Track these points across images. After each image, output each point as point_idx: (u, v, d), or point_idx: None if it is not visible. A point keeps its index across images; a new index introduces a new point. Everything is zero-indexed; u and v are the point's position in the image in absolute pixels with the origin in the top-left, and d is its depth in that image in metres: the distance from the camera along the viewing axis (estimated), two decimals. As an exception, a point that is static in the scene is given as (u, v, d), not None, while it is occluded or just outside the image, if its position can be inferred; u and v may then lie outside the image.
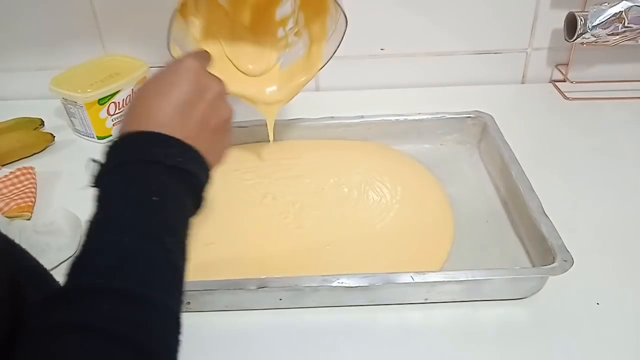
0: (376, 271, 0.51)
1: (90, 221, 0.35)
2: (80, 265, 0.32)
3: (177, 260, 0.35)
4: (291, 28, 0.68)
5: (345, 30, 0.60)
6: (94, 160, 0.39)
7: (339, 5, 0.57)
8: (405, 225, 0.62)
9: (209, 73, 0.45)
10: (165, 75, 0.42)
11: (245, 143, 0.74)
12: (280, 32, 0.68)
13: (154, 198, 0.36)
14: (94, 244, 0.33)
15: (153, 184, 0.37)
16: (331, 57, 0.64)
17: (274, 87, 0.68)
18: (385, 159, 0.73)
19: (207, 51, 0.50)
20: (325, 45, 0.65)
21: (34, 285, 0.32)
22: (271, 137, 0.69)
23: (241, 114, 0.78)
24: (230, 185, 0.68)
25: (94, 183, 0.38)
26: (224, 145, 0.46)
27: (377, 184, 0.67)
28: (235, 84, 0.64)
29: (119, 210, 0.35)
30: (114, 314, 0.29)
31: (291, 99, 0.68)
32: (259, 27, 0.68)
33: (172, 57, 0.59)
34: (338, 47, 0.63)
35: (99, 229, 0.34)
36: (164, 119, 0.40)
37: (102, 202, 0.36)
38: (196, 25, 0.65)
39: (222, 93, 0.45)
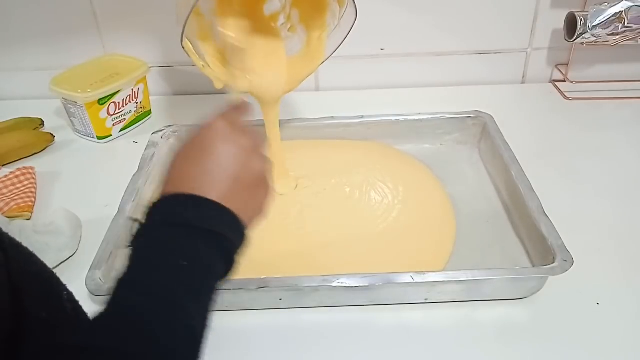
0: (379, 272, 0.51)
1: (118, 279, 0.36)
2: (100, 322, 0.33)
3: (196, 328, 0.36)
4: (283, 24, 0.67)
5: (354, 22, 0.58)
6: (135, 220, 0.42)
7: None
8: (407, 226, 0.62)
9: (241, 130, 0.45)
10: (196, 140, 0.43)
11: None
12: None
13: (183, 262, 0.36)
14: (117, 304, 0.34)
15: (184, 247, 0.37)
16: (337, 48, 0.63)
17: (276, 79, 0.67)
18: (387, 158, 0.73)
19: (244, 101, 0.50)
20: (328, 38, 0.64)
21: (38, 291, 0.32)
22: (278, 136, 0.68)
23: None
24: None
25: (131, 243, 0.39)
26: (261, 200, 0.45)
27: (378, 184, 0.67)
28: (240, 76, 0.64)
29: (146, 273, 0.36)
30: None
31: (290, 91, 0.67)
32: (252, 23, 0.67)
33: (184, 50, 0.58)
34: (345, 38, 0.62)
35: (124, 289, 0.35)
36: (197, 184, 0.40)
37: (132, 262, 0.37)
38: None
39: (255, 148, 0.44)
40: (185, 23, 0.55)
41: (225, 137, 0.43)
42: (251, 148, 0.44)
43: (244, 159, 0.43)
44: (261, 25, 0.67)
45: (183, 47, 0.58)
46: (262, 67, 0.66)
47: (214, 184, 0.41)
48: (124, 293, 0.35)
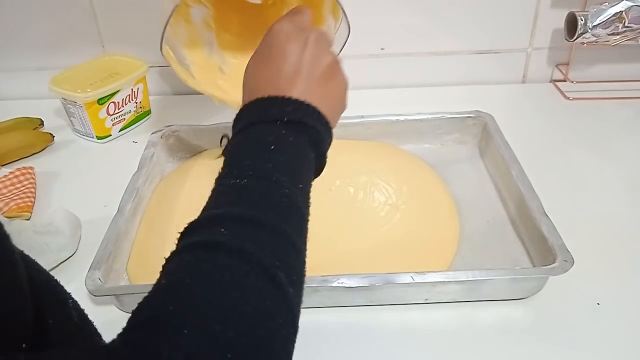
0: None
1: (216, 178, 0.38)
2: (208, 204, 0.36)
3: (293, 196, 0.37)
4: None
5: (347, 38, 0.60)
6: (224, 136, 0.47)
7: (343, 12, 0.56)
8: (411, 227, 0.61)
9: (304, 27, 0.46)
10: (264, 45, 0.45)
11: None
12: None
13: (271, 147, 0.38)
14: (218, 189, 0.37)
15: (270, 136, 0.39)
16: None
17: None
18: (390, 158, 0.72)
19: (302, 6, 0.51)
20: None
21: (45, 299, 0.32)
22: None
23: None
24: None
25: (223, 153, 0.43)
26: (338, 91, 0.46)
27: (382, 185, 0.67)
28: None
29: (238, 162, 0.38)
30: (233, 233, 0.33)
31: None
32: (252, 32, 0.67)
33: (164, 57, 0.59)
34: (339, 53, 0.62)
35: (222, 179, 0.38)
36: (274, 85, 0.42)
37: (226, 161, 0.39)
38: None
39: (320, 39, 0.45)
40: (164, 31, 0.55)
41: (290, 36, 0.44)
42: (317, 42, 0.44)
43: (313, 53, 0.44)
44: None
45: (162, 54, 0.58)
46: None
47: (290, 82, 0.42)
48: (222, 181, 0.37)
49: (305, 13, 0.49)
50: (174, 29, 0.63)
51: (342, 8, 0.56)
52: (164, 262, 0.33)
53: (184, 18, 0.64)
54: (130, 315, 0.29)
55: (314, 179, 0.42)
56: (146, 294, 0.30)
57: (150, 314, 0.28)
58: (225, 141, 0.47)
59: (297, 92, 0.41)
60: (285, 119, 0.40)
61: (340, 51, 0.62)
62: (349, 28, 0.58)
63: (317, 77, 0.44)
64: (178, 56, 0.63)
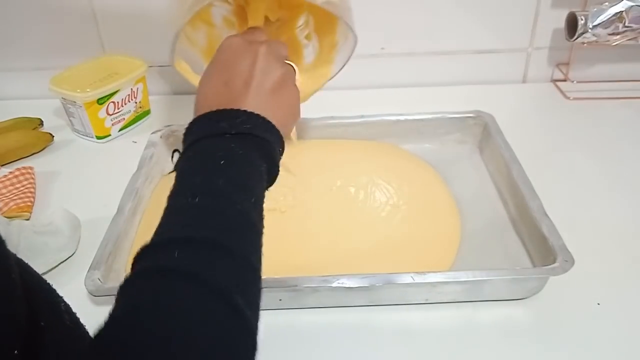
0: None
1: (168, 196, 0.38)
2: (160, 225, 0.35)
3: (246, 212, 0.36)
4: (301, 27, 0.67)
5: (353, 49, 0.60)
6: (175, 150, 0.47)
7: (349, 26, 0.56)
8: (412, 228, 0.61)
9: (255, 40, 0.46)
10: (213, 61, 0.45)
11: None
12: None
13: (221, 162, 0.38)
14: (170, 209, 0.37)
15: (220, 151, 0.38)
16: (338, 72, 0.64)
17: None
18: (391, 158, 0.72)
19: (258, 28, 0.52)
20: (336, 55, 0.64)
21: (37, 301, 0.32)
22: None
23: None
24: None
25: (175, 168, 0.41)
26: (289, 102, 0.46)
27: (384, 185, 0.67)
28: None
29: (189, 179, 0.38)
30: (186, 256, 0.32)
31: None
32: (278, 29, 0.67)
33: (176, 70, 0.60)
34: (345, 63, 0.63)
35: (173, 198, 0.37)
36: (223, 98, 0.42)
37: (177, 178, 0.39)
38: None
39: (270, 51, 0.45)
40: (174, 43, 0.55)
41: (239, 49, 0.44)
42: (267, 54, 0.44)
43: (263, 65, 0.44)
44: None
45: (174, 67, 0.59)
46: None
47: (239, 94, 0.42)
48: (173, 200, 0.37)
49: (258, 31, 0.49)
50: (191, 37, 0.63)
51: (352, 30, 0.57)
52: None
53: (204, 21, 0.64)
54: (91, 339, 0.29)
55: (267, 188, 0.42)
56: (104, 321, 0.30)
57: (109, 342, 0.28)
58: (177, 156, 0.46)
59: (247, 103, 0.41)
60: (234, 132, 0.39)
61: (347, 61, 0.62)
62: (356, 40, 0.59)
63: (268, 89, 0.43)
64: (192, 66, 0.63)
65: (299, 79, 0.58)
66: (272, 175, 0.42)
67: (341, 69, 0.64)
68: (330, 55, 0.65)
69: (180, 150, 0.42)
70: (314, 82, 0.66)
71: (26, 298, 0.29)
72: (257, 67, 0.44)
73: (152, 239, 0.34)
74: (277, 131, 0.42)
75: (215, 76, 0.44)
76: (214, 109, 0.41)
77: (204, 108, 0.42)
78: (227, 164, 0.38)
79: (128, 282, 0.32)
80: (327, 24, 0.64)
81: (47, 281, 0.35)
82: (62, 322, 0.33)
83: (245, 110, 0.41)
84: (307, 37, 0.67)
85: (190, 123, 0.42)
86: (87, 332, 0.36)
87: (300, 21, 0.66)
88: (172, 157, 0.48)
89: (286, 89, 0.46)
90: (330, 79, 0.66)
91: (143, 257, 0.33)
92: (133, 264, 0.33)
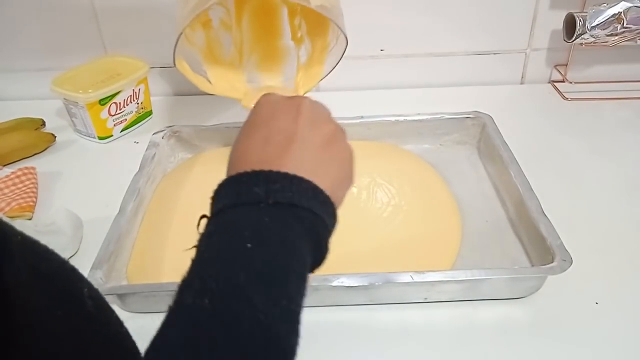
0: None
1: (178, 285, 0.31)
2: (162, 324, 0.29)
3: (271, 326, 0.28)
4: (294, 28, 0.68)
5: (345, 50, 0.61)
6: (202, 216, 0.36)
7: (340, 27, 0.57)
8: (414, 228, 0.61)
9: (297, 97, 0.40)
10: (251, 117, 0.39)
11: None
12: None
13: (248, 245, 0.30)
14: (174, 305, 0.29)
15: (249, 228, 0.31)
16: (329, 72, 0.65)
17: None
18: (393, 159, 0.72)
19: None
20: (327, 56, 0.65)
21: (52, 289, 0.30)
22: None
23: (244, 115, 0.78)
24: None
25: (198, 241, 0.34)
26: (341, 162, 0.38)
27: (385, 185, 0.67)
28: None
29: (202, 268, 0.30)
30: None
31: None
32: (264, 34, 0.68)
33: (177, 69, 0.60)
34: (336, 64, 0.64)
35: (182, 292, 0.30)
36: (259, 157, 0.34)
37: (193, 260, 0.32)
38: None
39: (315, 104, 0.39)
40: (177, 43, 0.56)
41: (280, 103, 0.38)
42: (312, 107, 0.38)
43: (308, 119, 0.37)
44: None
45: (176, 67, 0.59)
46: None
47: (280, 152, 0.34)
48: (181, 294, 0.30)
49: (292, 92, 0.45)
50: (190, 38, 0.64)
51: (343, 32, 0.58)
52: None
53: (201, 23, 0.65)
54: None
55: (313, 271, 0.34)
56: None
57: None
58: (203, 223, 0.35)
59: (289, 164, 0.34)
60: (270, 201, 0.31)
61: (337, 64, 0.63)
62: (347, 41, 0.59)
63: (315, 146, 0.36)
64: (193, 66, 0.64)
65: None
66: (318, 258, 0.34)
67: (332, 69, 0.65)
68: (322, 56, 0.66)
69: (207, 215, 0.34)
70: (308, 82, 0.67)
71: (40, 290, 0.27)
72: (302, 120, 0.37)
73: (150, 347, 0.28)
74: (327, 198, 0.34)
75: (252, 132, 0.37)
76: (248, 169, 0.33)
77: (235, 168, 0.35)
78: (255, 247, 0.30)
79: None
80: (320, 26, 0.64)
81: (72, 267, 0.32)
82: (83, 310, 0.31)
83: (286, 173, 0.33)
84: (300, 39, 0.68)
85: (219, 185, 0.34)
86: (116, 317, 0.33)
87: (297, 20, 0.67)
88: (198, 224, 0.36)
89: (338, 145, 0.38)
90: (322, 79, 0.67)
91: None
92: None
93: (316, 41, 0.67)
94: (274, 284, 0.29)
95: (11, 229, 0.29)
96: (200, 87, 0.65)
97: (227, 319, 0.27)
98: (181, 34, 0.56)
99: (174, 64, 0.59)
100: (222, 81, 0.66)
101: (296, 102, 0.38)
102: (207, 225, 0.33)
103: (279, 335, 0.28)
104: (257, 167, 0.33)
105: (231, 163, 0.37)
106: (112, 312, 0.33)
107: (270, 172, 0.33)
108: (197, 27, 0.65)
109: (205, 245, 0.32)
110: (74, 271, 0.32)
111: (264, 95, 0.40)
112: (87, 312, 0.31)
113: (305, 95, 0.41)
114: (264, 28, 0.67)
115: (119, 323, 0.33)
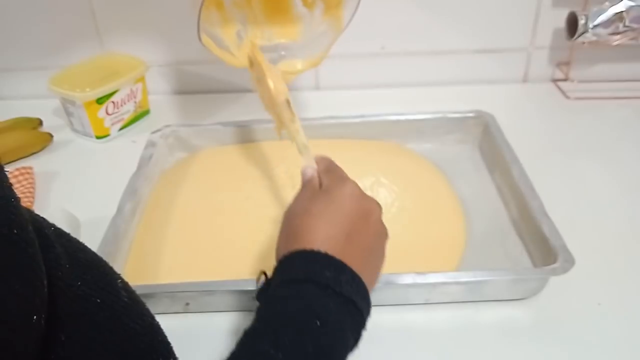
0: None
1: (245, 331, 0.35)
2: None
3: None
4: None
5: (358, 5, 0.60)
6: (262, 272, 0.41)
7: None
8: (419, 229, 0.61)
9: (368, 196, 0.45)
10: (329, 199, 0.43)
11: (254, 142, 0.74)
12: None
13: (317, 322, 0.35)
14: (247, 347, 0.34)
15: (319, 308, 0.36)
16: (350, 20, 0.64)
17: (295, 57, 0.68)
18: (397, 158, 0.72)
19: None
20: (344, 9, 0.65)
21: (91, 278, 0.31)
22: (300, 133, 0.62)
23: (242, 114, 0.78)
24: (239, 186, 0.67)
25: (258, 296, 0.39)
26: (378, 271, 0.44)
27: (389, 186, 0.66)
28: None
29: (277, 325, 0.35)
30: None
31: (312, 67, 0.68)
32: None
33: (203, 45, 0.59)
34: (352, 19, 0.63)
35: (255, 339, 0.34)
36: (334, 244, 0.39)
37: (263, 314, 0.36)
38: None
39: (380, 215, 0.44)
40: (199, 18, 0.55)
41: (360, 201, 0.43)
42: (380, 216, 0.44)
43: (377, 229, 0.43)
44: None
45: (201, 42, 0.58)
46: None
47: (350, 250, 0.39)
48: (254, 342, 0.34)
49: (339, 169, 0.49)
50: (206, 17, 0.63)
51: None
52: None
53: (214, 4, 0.64)
54: None
55: None
56: None
57: None
58: (262, 280, 0.41)
59: (355, 264, 0.38)
60: (338, 290, 0.37)
61: (351, 19, 0.63)
62: None
63: (374, 254, 0.42)
64: (216, 41, 0.63)
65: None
66: (351, 351, 0.39)
67: (348, 23, 0.65)
68: (338, 11, 0.66)
69: (265, 272, 0.40)
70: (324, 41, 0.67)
71: (79, 277, 0.29)
72: (373, 229, 0.43)
73: None
74: (370, 302, 0.39)
75: (326, 213, 0.41)
76: (322, 250, 0.38)
77: (309, 243, 0.39)
78: (321, 327, 0.35)
79: None
80: None
81: (104, 260, 0.35)
82: (119, 299, 0.33)
83: (351, 270, 0.38)
84: (311, 3, 0.68)
85: (292, 253, 0.39)
86: (148, 310, 0.35)
87: None
88: (258, 280, 0.42)
89: (383, 256, 0.44)
90: (339, 36, 0.66)
91: None
92: None
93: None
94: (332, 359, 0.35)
95: (44, 220, 0.30)
96: (226, 61, 0.64)
97: None
98: (201, 7, 0.55)
99: (199, 39, 0.58)
100: (244, 55, 0.66)
101: (373, 206, 0.44)
102: (276, 287, 0.38)
103: None
104: (330, 253, 0.38)
105: (302, 232, 0.40)
106: (144, 304, 0.35)
107: (340, 262, 0.38)
108: (211, 8, 0.65)
109: (276, 305, 0.37)
110: (106, 263, 0.35)
111: (345, 186, 0.44)
112: (123, 302, 0.33)
113: (372, 199, 0.46)
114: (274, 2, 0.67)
115: (151, 316, 0.35)
